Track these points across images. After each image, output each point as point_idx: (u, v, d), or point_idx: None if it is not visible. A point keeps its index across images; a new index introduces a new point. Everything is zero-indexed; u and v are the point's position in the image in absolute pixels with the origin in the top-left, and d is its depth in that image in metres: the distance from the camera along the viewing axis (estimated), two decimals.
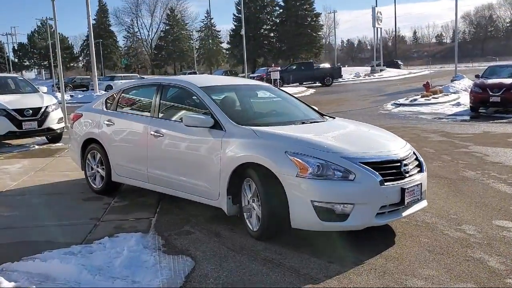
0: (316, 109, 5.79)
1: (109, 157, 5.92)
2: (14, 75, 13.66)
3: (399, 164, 4.21)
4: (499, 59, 65.94)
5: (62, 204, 5.80)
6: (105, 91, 34.81)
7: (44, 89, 11.97)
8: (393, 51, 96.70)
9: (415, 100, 19.71)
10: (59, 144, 10.94)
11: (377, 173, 3.99)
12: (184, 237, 4.51)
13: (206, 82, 5.52)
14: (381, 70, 50.45)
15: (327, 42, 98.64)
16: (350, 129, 5.00)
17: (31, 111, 10.19)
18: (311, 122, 5.13)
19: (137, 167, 5.55)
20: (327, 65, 43.20)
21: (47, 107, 10.53)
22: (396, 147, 4.48)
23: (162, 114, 5.39)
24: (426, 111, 16.64)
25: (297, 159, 4.00)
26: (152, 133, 5.27)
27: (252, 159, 4.27)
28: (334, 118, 5.55)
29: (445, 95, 20.80)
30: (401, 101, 20.15)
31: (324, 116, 5.56)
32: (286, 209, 4.04)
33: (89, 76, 49.11)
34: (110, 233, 4.58)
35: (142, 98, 5.99)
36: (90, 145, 6.25)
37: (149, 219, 5.10)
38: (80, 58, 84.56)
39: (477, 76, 16.87)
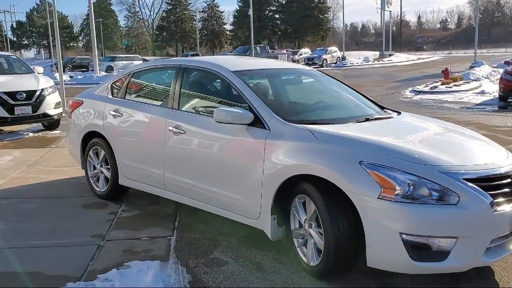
0: (372, 99, 4.66)
1: (116, 156, 4.83)
2: (7, 53, 12.37)
3: (509, 180, 3.12)
4: (508, 46, 64.35)
5: (58, 213, 4.72)
6: (105, 72, 33.54)
7: (40, 69, 10.75)
8: (397, 36, 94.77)
9: (435, 87, 18.55)
10: (56, 132, 9.78)
11: (487, 193, 2.91)
12: (216, 269, 3.43)
13: (239, 65, 4.37)
14: (389, 55, 49.16)
15: (330, 26, 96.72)
16: (433, 131, 3.83)
17: (24, 94, 9.02)
18: (376, 119, 4.00)
19: (151, 170, 4.46)
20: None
21: (42, 90, 9.34)
22: (500, 156, 3.38)
23: (183, 105, 4.27)
24: (449, 100, 15.50)
25: (379, 174, 2.89)
26: (171, 128, 4.16)
27: (310, 170, 3.18)
28: (400, 112, 4.39)
29: (466, 82, 19.64)
30: (421, 88, 18.97)
31: (385, 110, 4.43)
32: (361, 242, 2.96)
33: (89, 56, 47.54)
34: (119, 262, 3.51)
35: (157, 85, 4.87)
36: (92, 139, 5.16)
37: (167, 238, 4.02)
38: (80, 38, 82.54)
39: (506, 63, 15.76)
